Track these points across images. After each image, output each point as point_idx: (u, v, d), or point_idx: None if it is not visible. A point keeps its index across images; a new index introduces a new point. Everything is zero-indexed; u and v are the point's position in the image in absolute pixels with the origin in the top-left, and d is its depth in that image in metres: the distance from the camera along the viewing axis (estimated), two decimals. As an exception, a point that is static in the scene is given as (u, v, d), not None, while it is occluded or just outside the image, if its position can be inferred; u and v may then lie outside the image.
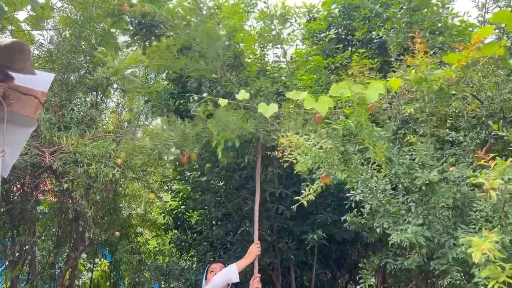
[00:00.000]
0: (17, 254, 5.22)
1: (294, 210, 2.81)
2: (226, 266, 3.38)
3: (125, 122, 6.06)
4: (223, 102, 2.33)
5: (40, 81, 1.78)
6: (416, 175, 2.66)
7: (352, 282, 6.83)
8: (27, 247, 5.27)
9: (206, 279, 3.26)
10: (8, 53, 1.60)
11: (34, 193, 5.01)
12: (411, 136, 2.77)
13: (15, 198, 5.02)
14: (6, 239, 5.16)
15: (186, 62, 3.24)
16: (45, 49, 4.96)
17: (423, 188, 2.63)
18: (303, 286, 5.21)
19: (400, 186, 2.98)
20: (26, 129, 1.81)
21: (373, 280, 3.02)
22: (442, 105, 3.00)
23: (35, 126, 1.86)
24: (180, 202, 6.33)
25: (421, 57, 2.67)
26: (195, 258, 6.06)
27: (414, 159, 2.83)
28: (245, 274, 4.17)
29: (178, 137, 3.14)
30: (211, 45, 3.18)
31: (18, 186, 4.99)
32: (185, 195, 6.27)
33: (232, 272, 3.12)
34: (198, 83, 4.21)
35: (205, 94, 2.54)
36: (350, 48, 5.18)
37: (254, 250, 3.25)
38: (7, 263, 5.31)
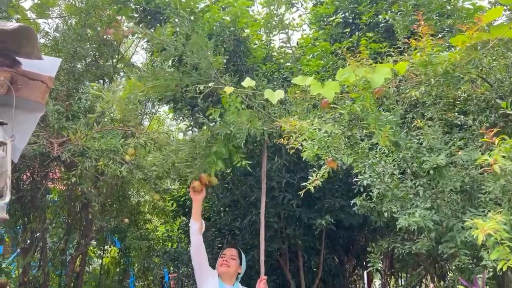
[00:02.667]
0: (28, 241, 5.30)
1: (301, 196, 2.81)
2: (238, 250, 3.36)
3: (131, 112, 6.07)
4: (228, 90, 2.32)
5: (47, 66, 1.79)
6: (423, 159, 2.65)
7: (359, 267, 6.87)
8: (38, 234, 5.34)
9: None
10: (15, 38, 1.61)
11: (43, 181, 5.06)
12: (419, 120, 2.75)
13: (25, 186, 5.07)
14: (18, 227, 5.23)
15: (179, 76, 3.23)
16: (51, 38, 4.96)
17: (431, 172, 2.61)
18: (311, 271, 5.25)
19: (408, 170, 2.97)
20: (35, 114, 1.82)
21: (380, 265, 3.02)
22: (449, 89, 2.97)
23: (44, 111, 1.87)
24: (187, 189, 6.37)
25: (426, 40, 2.64)
26: (204, 244, 6.11)
27: (421, 143, 2.81)
28: (251, 276, 4.20)
29: (188, 147, 3.16)
30: (202, 56, 3.15)
31: (28, 174, 5.04)
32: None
33: (190, 224, 3.20)
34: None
35: (210, 84, 2.52)
36: (357, 33, 5.12)
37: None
38: (18, 250, 5.40)
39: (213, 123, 3.45)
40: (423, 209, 2.62)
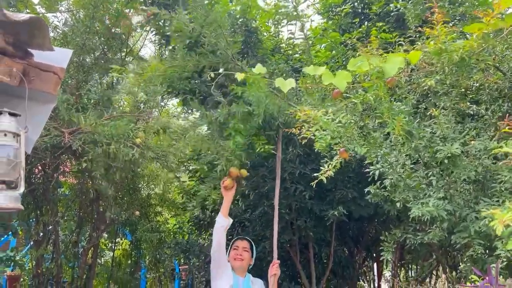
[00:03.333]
0: (41, 234, 5.36)
1: (314, 187, 2.79)
2: (250, 242, 3.37)
3: (141, 103, 6.10)
4: (240, 76, 2.31)
5: (59, 57, 1.79)
6: (437, 149, 2.62)
7: (369, 258, 6.86)
8: (50, 227, 5.40)
9: (228, 255, 3.27)
10: (26, 30, 1.60)
11: (55, 174, 5.11)
12: (433, 109, 2.72)
13: (37, 179, 5.12)
14: (30, 220, 5.28)
15: (197, 58, 3.21)
16: (60, 31, 4.97)
17: (445, 161, 2.59)
18: (321, 262, 5.25)
19: (420, 160, 2.94)
20: (47, 105, 1.82)
21: (389, 257, 3.00)
22: (463, 77, 2.93)
23: (56, 102, 1.88)
24: (197, 182, 6.38)
25: (440, 27, 2.60)
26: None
27: (435, 133, 2.78)
28: (261, 268, 4.18)
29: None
30: (220, 34, 3.13)
31: (40, 167, 5.09)
32: (202, 175, 6.31)
33: (217, 218, 3.17)
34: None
35: (221, 70, 2.52)
36: (366, 23, 5.07)
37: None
38: (31, 242, 5.46)
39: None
40: (436, 199, 2.59)
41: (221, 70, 2.52)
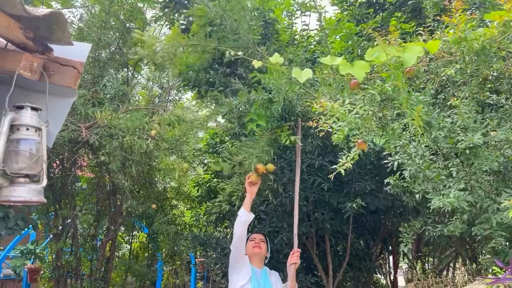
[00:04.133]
0: (60, 227, 5.46)
1: (331, 179, 2.77)
2: (265, 235, 3.43)
3: (156, 97, 6.14)
4: (257, 63, 2.29)
5: (78, 51, 1.80)
6: (458, 139, 2.57)
7: (385, 251, 6.82)
8: (69, 220, 5.49)
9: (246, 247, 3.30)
10: (46, 24, 1.61)
11: (72, 169, 5.18)
12: (454, 98, 2.67)
13: (55, 174, 5.20)
14: (50, 213, 5.37)
15: (217, 40, 3.21)
16: (76, 27, 5.02)
17: (466, 152, 2.54)
18: (338, 255, 5.23)
19: (438, 151, 2.90)
20: (67, 99, 1.84)
21: (406, 249, 2.97)
22: (483, 66, 2.87)
23: (76, 96, 1.89)
24: (212, 175, 6.41)
25: (460, 16, 2.54)
26: (229, 229, 6.16)
27: (455, 123, 2.73)
28: (279, 260, 4.18)
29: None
30: (242, 17, 3.13)
31: (58, 162, 5.16)
32: (221, 170, 6.32)
33: (240, 213, 3.18)
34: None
35: (240, 53, 2.51)
36: (381, 13, 5.00)
37: (293, 258, 3.21)
38: (51, 236, 5.56)
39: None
40: (457, 190, 2.55)
41: (240, 54, 2.51)
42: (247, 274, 3.11)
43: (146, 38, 3.25)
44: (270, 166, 3.35)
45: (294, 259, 3.19)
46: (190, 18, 4.25)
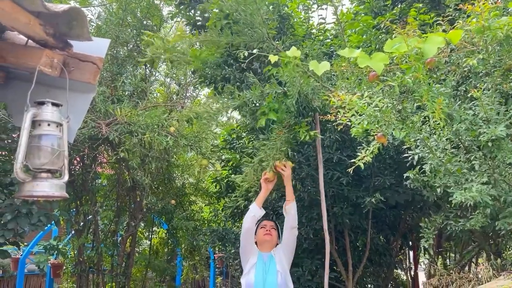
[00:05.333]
0: (81, 223, 5.55)
1: (351, 173, 2.75)
2: (275, 222, 3.47)
3: (174, 94, 6.17)
4: (273, 58, 2.28)
5: (97, 47, 1.82)
6: (480, 131, 2.51)
7: (405, 246, 6.74)
8: (90, 216, 5.58)
9: (256, 234, 3.34)
10: (65, 21, 1.63)
11: (93, 165, 5.26)
12: (475, 90, 2.60)
13: (76, 170, 5.28)
14: (71, 210, 5.47)
15: (231, 35, 3.21)
16: (94, 25, 5.08)
17: (489, 144, 2.48)
18: (357, 250, 5.19)
19: (460, 145, 2.84)
20: (87, 95, 1.86)
21: (428, 244, 2.92)
22: (507, 56, 2.80)
23: (95, 92, 1.91)
24: (230, 171, 6.42)
25: (483, 4, 2.48)
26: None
27: (477, 115, 2.67)
28: (298, 255, 4.14)
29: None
30: (256, 10, 3.11)
31: (78, 159, 5.25)
32: (234, 164, 6.34)
33: (251, 207, 3.26)
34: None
35: (255, 51, 2.50)
36: (399, 5, 4.91)
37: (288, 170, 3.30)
38: (73, 231, 5.67)
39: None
40: (479, 183, 2.50)
41: (255, 51, 2.50)
42: (253, 260, 3.21)
43: (155, 40, 3.27)
44: (289, 163, 3.35)
45: (288, 171, 3.27)
46: (206, 15, 4.25)
